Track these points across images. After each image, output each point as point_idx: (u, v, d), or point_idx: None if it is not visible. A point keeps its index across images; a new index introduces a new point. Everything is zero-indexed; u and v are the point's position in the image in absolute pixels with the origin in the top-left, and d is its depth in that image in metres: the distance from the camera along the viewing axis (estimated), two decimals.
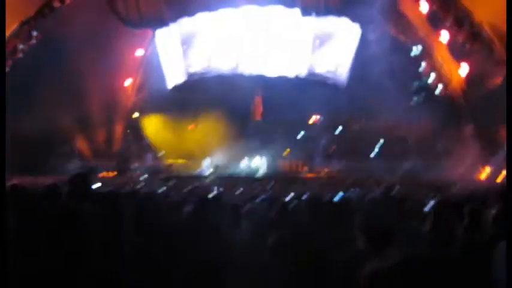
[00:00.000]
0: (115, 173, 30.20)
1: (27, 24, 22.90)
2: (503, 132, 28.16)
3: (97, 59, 25.86)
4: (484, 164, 27.52)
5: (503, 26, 23.24)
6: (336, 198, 8.11)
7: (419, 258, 2.71)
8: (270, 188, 19.62)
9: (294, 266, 3.32)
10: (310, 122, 37.35)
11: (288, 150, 33.35)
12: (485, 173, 27.18)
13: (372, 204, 2.89)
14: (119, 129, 32.14)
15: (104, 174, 29.43)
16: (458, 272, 3.32)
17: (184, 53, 29.85)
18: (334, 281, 3.05)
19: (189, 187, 19.29)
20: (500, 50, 23.36)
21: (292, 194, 11.99)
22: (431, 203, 4.77)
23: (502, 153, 28.36)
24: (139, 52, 31.49)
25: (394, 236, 2.75)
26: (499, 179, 24.22)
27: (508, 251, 2.53)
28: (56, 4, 23.62)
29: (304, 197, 8.15)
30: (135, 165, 33.00)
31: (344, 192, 16.05)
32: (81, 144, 29.58)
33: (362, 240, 2.84)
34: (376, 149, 32.44)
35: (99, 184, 16.79)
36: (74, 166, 28.52)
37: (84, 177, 5.15)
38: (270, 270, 3.63)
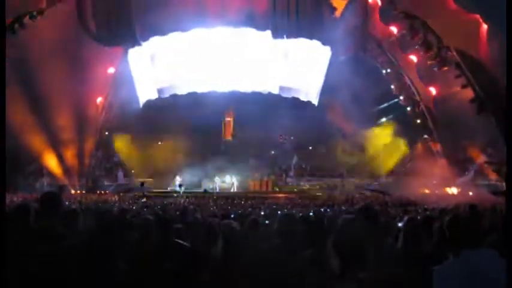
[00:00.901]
0: (85, 191, 29.90)
1: None
2: (470, 151, 28.81)
3: (68, 76, 25.68)
4: (453, 180, 28.03)
5: (470, 51, 23.84)
6: (308, 215, 8.20)
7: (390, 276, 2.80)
8: (240, 206, 19.67)
9: (264, 283, 3.38)
10: (281, 140, 37.58)
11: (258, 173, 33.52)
12: (454, 189, 27.67)
13: (344, 222, 2.92)
14: (89, 147, 31.80)
15: (74, 192, 29.11)
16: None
17: (156, 71, 29.78)
18: None
19: (159, 205, 19.30)
20: (466, 73, 23.90)
21: (262, 212, 12.05)
22: (404, 219, 4.87)
23: (471, 171, 29.00)
24: (110, 70, 31.35)
25: (366, 253, 2.80)
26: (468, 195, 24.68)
27: (508, 256, 2.64)
28: (27, 21, 23.41)
29: (275, 213, 8.20)
30: (106, 183, 32.76)
31: (316, 209, 16.23)
32: (50, 162, 29.16)
33: (334, 258, 2.88)
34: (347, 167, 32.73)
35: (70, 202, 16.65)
36: (43, 184, 28.23)
37: (54, 196, 5.07)
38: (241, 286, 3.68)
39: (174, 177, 30.28)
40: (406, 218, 4.86)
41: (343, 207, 17.49)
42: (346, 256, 2.80)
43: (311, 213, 10.02)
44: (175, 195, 27.12)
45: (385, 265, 3.30)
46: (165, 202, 22.65)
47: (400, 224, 5.54)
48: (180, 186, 28.40)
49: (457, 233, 3.52)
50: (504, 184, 25.21)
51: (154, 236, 4.88)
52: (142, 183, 29.13)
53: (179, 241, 4.96)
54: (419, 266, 4.05)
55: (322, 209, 16.59)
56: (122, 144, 31.95)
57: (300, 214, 9.36)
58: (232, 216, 9.83)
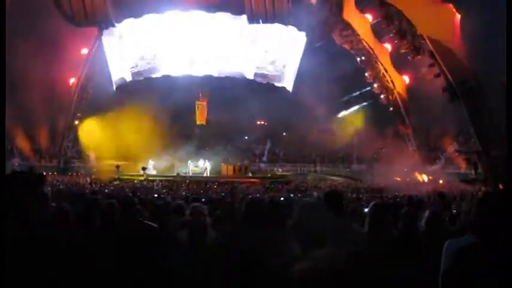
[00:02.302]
0: (57, 172, 29.65)
1: None
2: (441, 140, 29.26)
3: (40, 56, 25.30)
4: (424, 168, 28.47)
5: (443, 40, 24.09)
6: (277, 200, 8.26)
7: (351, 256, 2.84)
8: (213, 190, 19.73)
9: (229, 265, 3.42)
10: (255, 125, 37.67)
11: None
12: (424, 176, 28.10)
13: (302, 205, 2.96)
14: (61, 129, 31.46)
15: (46, 173, 28.83)
16: (389, 271, 3.48)
17: (130, 53, 29.49)
18: (266, 280, 3.15)
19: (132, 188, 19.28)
20: (439, 62, 24.16)
21: (233, 196, 12.09)
22: (370, 205, 4.94)
23: (441, 159, 29.47)
24: (83, 51, 30.93)
25: (326, 236, 2.83)
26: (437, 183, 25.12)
27: (507, 246, 2.68)
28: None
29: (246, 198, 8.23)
30: (78, 165, 32.51)
31: (287, 195, 16.36)
32: (21, 143, 28.83)
33: (293, 240, 2.91)
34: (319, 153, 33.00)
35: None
36: (14, 165, 27.88)
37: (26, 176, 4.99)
38: (208, 270, 3.71)
39: (148, 160, 30.14)
40: (371, 203, 4.92)
41: (315, 193, 17.65)
42: (305, 238, 2.83)
43: (282, 198, 10.07)
44: (148, 178, 27.11)
45: (346, 246, 3.35)
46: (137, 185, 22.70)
47: (366, 210, 5.61)
48: (143, 169, 28.33)
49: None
50: (473, 172, 25.81)
51: (119, 217, 4.89)
52: (144, 168, 28.88)
53: (147, 222, 4.98)
54: (383, 249, 4.12)
55: (292, 195, 16.77)
56: (94, 127, 31.64)
57: (270, 197, 9.46)
58: (203, 200, 9.86)
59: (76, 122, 32.12)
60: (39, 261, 3.11)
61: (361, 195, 16.64)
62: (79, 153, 33.08)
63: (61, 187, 19.01)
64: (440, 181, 26.57)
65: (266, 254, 3.18)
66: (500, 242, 2.70)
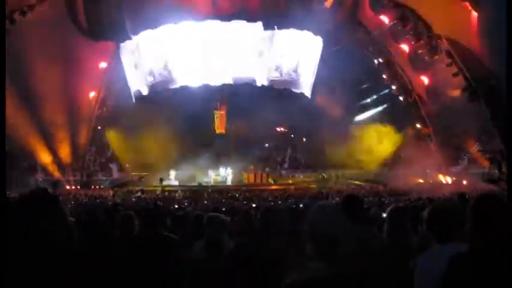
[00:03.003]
0: (80, 186, 29.94)
1: None
2: (463, 140, 28.90)
3: (60, 72, 25.60)
4: (445, 171, 28.15)
5: (460, 39, 23.85)
6: (296, 206, 8.24)
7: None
8: (234, 199, 19.76)
9: (246, 276, 3.42)
10: (275, 132, 37.68)
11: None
12: (447, 178, 27.80)
13: (316, 207, 2.94)
14: (83, 142, 31.75)
15: (69, 187, 29.13)
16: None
17: (147, 65, 29.68)
18: None
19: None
20: (457, 60, 23.90)
21: (254, 204, 12.09)
22: (388, 209, 4.89)
23: (464, 159, 29.13)
24: (102, 64, 31.23)
25: (340, 238, 2.82)
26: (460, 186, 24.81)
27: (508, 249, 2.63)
28: (17, 17, 23.28)
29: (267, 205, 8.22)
30: (101, 178, 32.80)
31: (307, 201, 16.29)
32: (44, 158, 29.13)
33: (310, 247, 2.90)
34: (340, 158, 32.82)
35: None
36: (37, 180, 28.20)
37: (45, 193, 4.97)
38: (225, 280, 3.72)
39: (169, 171, 30.30)
40: (389, 207, 4.87)
41: (337, 198, 17.57)
42: (320, 240, 2.82)
43: (301, 205, 10.05)
44: (170, 188, 27.24)
45: (363, 255, 3.32)
46: (160, 196, 22.84)
47: (384, 215, 5.56)
48: (161, 180, 28.45)
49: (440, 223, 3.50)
50: (497, 172, 25.45)
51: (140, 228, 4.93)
52: (161, 179, 29.02)
53: (167, 234, 5.00)
54: (403, 256, 4.06)
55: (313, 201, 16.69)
56: (115, 139, 31.95)
57: (293, 206, 9.43)
58: (223, 209, 9.88)
59: (97, 135, 32.45)
60: (50, 272, 3.12)
61: (383, 199, 16.54)
62: (101, 166, 33.42)
63: (84, 200, 19.19)
64: (464, 182, 26.25)
65: (283, 263, 3.18)
66: (495, 249, 2.65)
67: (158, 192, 26.00)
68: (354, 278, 2.66)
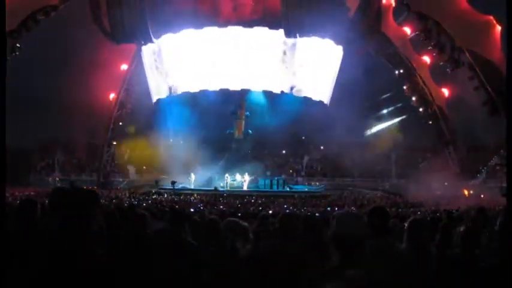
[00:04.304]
0: (97, 187, 30.06)
1: (10, 37, 22.57)
2: (483, 153, 28.65)
3: (81, 72, 25.82)
4: (465, 182, 27.87)
5: (483, 52, 23.68)
6: (312, 215, 8.19)
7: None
8: (251, 204, 19.68)
9: (261, 281, 3.39)
10: (292, 139, 37.55)
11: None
12: (464, 192, 27.52)
13: (337, 216, 2.92)
14: (101, 143, 31.97)
15: (86, 188, 29.25)
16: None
17: (168, 68, 29.78)
18: None
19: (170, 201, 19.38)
20: (479, 74, 23.74)
21: (271, 210, 12.05)
22: (408, 221, 4.84)
23: (483, 173, 28.85)
24: (123, 67, 31.47)
25: (363, 247, 2.80)
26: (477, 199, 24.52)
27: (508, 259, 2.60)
28: (40, 17, 23.51)
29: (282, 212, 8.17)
30: (118, 179, 32.96)
31: (324, 209, 16.20)
32: (62, 157, 29.37)
33: (334, 254, 2.88)
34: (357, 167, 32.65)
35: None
36: (55, 179, 28.44)
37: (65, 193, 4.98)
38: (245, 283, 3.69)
39: (187, 174, 30.26)
40: (409, 219, 4.82)
41: (352, 208, 17.45)
42: (344, 248, 2.81)
43: (317, 214, 10.01)
44: (187, 192, 27.21)
45: (385, 263, 3.29)
46: (175, 199, 22.84)
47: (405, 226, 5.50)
48: (173, 183, 28.41)
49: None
50: None
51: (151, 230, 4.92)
52: (173, 182, 29.07)
53: (189, 239, 4.98)
54: (422, 267, 4.02)
55: (329, 209, 16.57)
56: (133, 141, 32.09)
57: (308, 214, 9.38)
58: (239, 214, 9.86)
59: (115, 137, 32.66)
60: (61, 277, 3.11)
61: (400, 210, 16.40)
62: (119, 167, 33.59)
63: (101, 201, 19.22)
64: (482, 195, 25.98)
65: (301, 269, 3.16)
66: None
67: (174, 196, 25.97)
68: (388, 286, 2.64)
